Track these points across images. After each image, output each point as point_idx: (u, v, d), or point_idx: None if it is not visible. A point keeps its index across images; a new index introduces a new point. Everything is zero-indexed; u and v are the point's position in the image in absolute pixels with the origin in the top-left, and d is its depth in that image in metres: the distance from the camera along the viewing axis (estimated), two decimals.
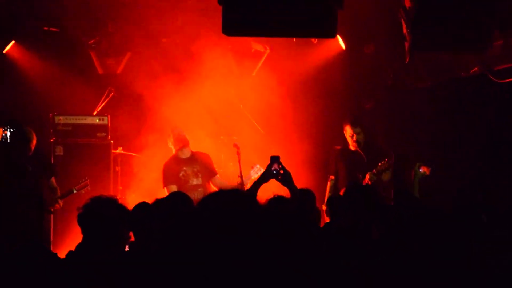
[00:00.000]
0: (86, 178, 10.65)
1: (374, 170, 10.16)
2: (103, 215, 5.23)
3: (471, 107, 11.18)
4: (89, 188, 10.59)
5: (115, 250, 5.36)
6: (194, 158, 10.47)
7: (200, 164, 10.43)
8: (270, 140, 12.14)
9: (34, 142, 10.03)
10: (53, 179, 10.36)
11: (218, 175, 10.59)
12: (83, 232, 5.27)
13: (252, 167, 10.59)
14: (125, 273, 5.03)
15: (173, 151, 10.49)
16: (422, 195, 9.37)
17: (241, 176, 10.18)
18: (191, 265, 3.21)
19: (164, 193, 9.88)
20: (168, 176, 10.26)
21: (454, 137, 11.39)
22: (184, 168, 10.30)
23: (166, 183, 10.21)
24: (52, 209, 10.09)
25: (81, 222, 5.32)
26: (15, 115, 11.66)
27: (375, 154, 10.47)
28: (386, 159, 10.16)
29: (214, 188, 10.44)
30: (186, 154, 10.47)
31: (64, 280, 4.80)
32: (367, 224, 5.41)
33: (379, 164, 10.13)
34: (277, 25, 5.88)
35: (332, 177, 10.81)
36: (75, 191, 10.31)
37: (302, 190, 6.15)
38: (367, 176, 10.14)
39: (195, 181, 10.27)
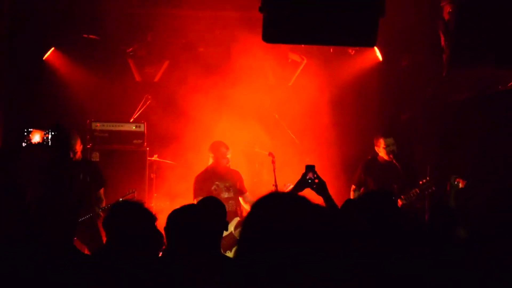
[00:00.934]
0: (133, 190, 10.68)
1: (412, 194, 10.02)
2: (125, 219, 5.19)
3: (509, 120, 11.10)
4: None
5: (141, 255, 5.35)
6: (226, 174, 10.44)
7: (232, 180, 10.41)
8: (305, 150, 12.15)
9: (78, 146, 10.17)
10: (101, 191, 10.42)
11: (247, 193, 10.58)
12: (107, 236, 5.23)
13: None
14: (154, 278, 5.05)
15: (209, 162, 10.47)
16: (458, 208, 9.31)
17: (275, 185, 10.17)
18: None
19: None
20: (199, 189, 10.19)
21: (491, 150, 11.31)
22: (217, 183, 10.27)
23: (196, 195, 10.12)
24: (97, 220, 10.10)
25: (104, 225, 5.30)
26: (53, 121, 11.81)
27: (408, 166, 10.39)
28: (428, 177, 10.06)
29: (244, 206, 10.51)
30: (221, 170, 10.43)
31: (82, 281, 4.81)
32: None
33: (421, 182, 10.02)
34: (317, 33, 5.90)
35: (354, 187, 10.77)
36: None
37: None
38: (399, 202, 10.02)
39: (226, 195, 10.22)
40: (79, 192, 10.01)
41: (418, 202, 10.34)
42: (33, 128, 7.47)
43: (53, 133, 7.14)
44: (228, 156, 10.41)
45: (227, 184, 10.32)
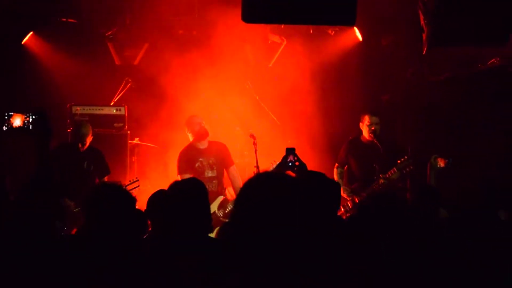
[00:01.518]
0: (137, 178, 10.64)
1: (390, 173, 10.11)
2: (103, 200, 5.14)
3: (489, 99, 11.15)
4: (139, 188, 10.60)
5: (122, 237, 5.31)
6: (210, 149, 10.34)
7: (216, 155, 10.32)
8: (286, 131, 12.16)
9: (89, 138, 10.30)
10: (105, 178, 10.49)
11: (234, 166, 10.54)
12: (86, 218, 5.16)
13: (272, 164, 10.56)
14: (138, 260, 5.03)
15: (190, 139, 10.44)
16: (439, 187, 9.36)
17: (257, 167, 10.14)
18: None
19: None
20: (184, 165, 10.15)
21: (471, 130, 11.37)
22: (200, 159, 10.21)
23: (181, 172, 10.09)
24: None
25: (83, 209, 5.24)
26: (33, 105, 11.76)
27: (390, 146, 10.44)
28: (406, 156, 10.12)
29: (228, 178, 10.46)
30: (203, 144, 10.31)
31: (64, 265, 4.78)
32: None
33: (399, 161, 10.08)
34: (296, 12, 5.88)
35: (337, 165, 10.84)
36: None
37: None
38: (380, 181, 10.09)
39: (210, 173, 10.19)
40: (82, 179, 10.08)
41: (399, 181, 10.39)
42: (13, 112, 7.43)
43: (34, 117, 7.10)
44: (204, 125, 10.34)
45: (210, 161, 10.24)
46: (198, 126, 10.28)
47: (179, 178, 9.95)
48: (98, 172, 10.44)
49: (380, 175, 10.04)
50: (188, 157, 10.22)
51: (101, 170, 10.48)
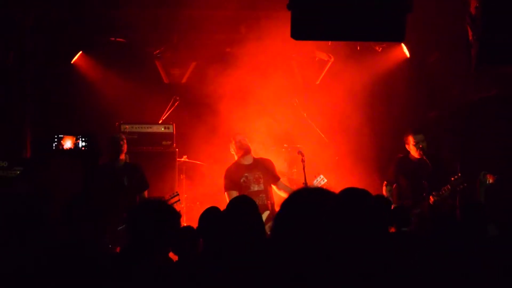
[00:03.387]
0: (177, 192, 10.57)
1: (443, 190, 10.03)
2: (148, 217, 5.14)
3: None
4: (180, 203, 10.66)
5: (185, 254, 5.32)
6: (255, 165, 10.44)
7: (262, 170, 10.39)
8: (334, 148, 12.16)
9: (125, 147, 10.22)
10: (145, 193, 10.34)
11: (281, 180, 10.57)
12: (131, 237, 5.17)
13: (315, 177, 10.59)
14: (191, 278, 5.04)
15: (235, 158, 10.52)
16: (488, 204, 9.26)
17: (305, 184, 10.17)
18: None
19: (225, 199, 9.90)
20: (229, 181, 10.26)
21: None
22: (246, 174, 10.29)
23: (227, 189, 10.22)
24: None
25: (128, 227, 5.27)
26: (82, 124, 11.92)
27: (439, 163, 10.39)
28: (459, 173, 10.04)
29: (278, 193, 10.48)
30: (248, 160, 10.44)
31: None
32: None
33: (452, 178, 10.01)
34: (345, 29, 5.89)
35: (386, 182, 10.76)
36: None
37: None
38: (431, 198, 10.02)
39: (256, 187, 10.24)
40: (121, 195, 10.05)
41: (449, 199, 10.30)
42: (63, 134, 7.57)
43: (84, 139, 7.25)
44: (246, 141, 10.47)
45: (256, 175, 10.31)
46: (241, 143, 10.39)
47: (226, 195, 10.04)
48: (137, 187, 10.23)
49: (434, 193, 9.97)
50: (234, 173, 10.32)
51: (140, 185, 10.25)
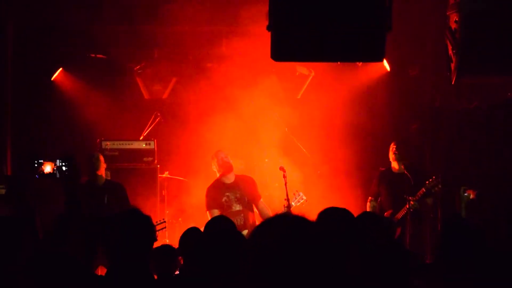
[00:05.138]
0: (164, 220, 10.75)
1: (419, 194, 10.12)
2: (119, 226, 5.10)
3: None
4: (165, 230, 10.78)
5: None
6: (237, 183, 10.41)
7: (243, 189, 10.38)
8: (315, 162, 12.18)
9: (104, 165, 10.24)
10: None
11: (261, 200, 10.56)
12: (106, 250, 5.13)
13: (294, 194, 10.56)
14: None
15: (217, 175, 10.50)
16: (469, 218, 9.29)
17: (287, 200, 10.16)
18: None
19: (207, 216, 9.88)
20: (211, 200, 10.22)
21: (501, 160, 11.29)
22: (227, 194, 10.27)
23: (209, 208, 10.17)
24: None
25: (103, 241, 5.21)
26: (63, 141, 11.88)
27: (421, 176, 10.44)
28: (433, 177, 10.14)
29: (256, 213, 10.47)
30: (230, 179, 10.40)
31: None
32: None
33: (427, 182, 10.10)
34: (325, 50, 5.91)
35: (371, 198, 10.81)
36: None
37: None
38: (411, 203, 10.08)
39: (237, 207, 10.22)
40: (103, 215, 9.97)
41: (431, 212, 10.40)
42: (43, 158, 7.59)
43: (63, 164, 7.27)
44: (228, 159, 10.45)
45: (237, 195, 10.29)
46: (223, 161, 10.38)
47: (208, 214, 10.02)
48: (119, 206, 10.09)
49: (410, 197, 10.04)
50: (215, 192, 10.30)
51: (122, 205, 10.11)
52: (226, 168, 10.36)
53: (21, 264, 4.87)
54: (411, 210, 10.05)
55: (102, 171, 10.26)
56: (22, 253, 4.98)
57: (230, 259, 5.57)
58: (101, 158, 10.28)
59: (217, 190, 10.31)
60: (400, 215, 10.22)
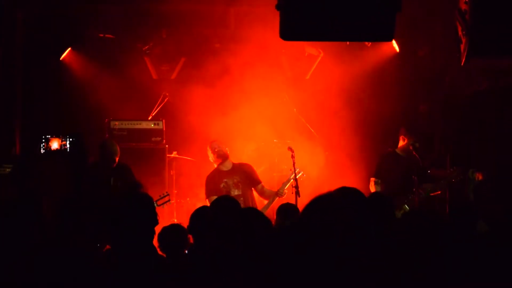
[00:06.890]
0: (167, 193, 10.77)
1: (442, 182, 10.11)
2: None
3: None
4: (171, 202, 10.81)
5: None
6: (234, 170, 10.58)
7: (241, 175, 10.53)
8: (324, 143, 12.16)
9: (118, 155, 10.20)
10: None
11: (261, 184, 10.65)
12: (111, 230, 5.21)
13: (290, 170, 10.56)
14: (180, 274, 5.05)
15: (214, 165, 10.60)
16: (477, 201, 9.29)
17: (295, 179, 10.18)
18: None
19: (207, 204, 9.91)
20: (210, 188, 10.43)
21: (510, 141, 11.27)
22: (225, 180, 10.46)
23: (208, 195, 10.37)
24: None
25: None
26: (71, 120, 11.89)
27: (428, 156, 10.42)
28: (454, 167, 10.11)
29: (259, 197, 10.60)
30: (227, 166, 10.58)
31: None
32: None
33: (448, 172, 10.08)
34: (335, 29, 5.89)
35: (373, 178, 10.72)
36: (156, 206, 10.11)
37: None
38: (421, 191, 10.06)
39: (236, 192, 10.38)
40: (109, 196, 9.99)
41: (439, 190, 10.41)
42: (50, 134, 7.57)
43: (71, 140, 7.25)
44: (223, 148, 10.55)
45: (235, 180, 10.47)
46: (218, 152, 10.50)
47: (207, 201, 10.10)
48: (125, 187, 10.19)
49: (420, 190, 10.02)
50: (214, 180, 10.49)
51: (127, 185, 10.21)
52: (222, 157, 10.52)
53: (27, 250, 4.89)
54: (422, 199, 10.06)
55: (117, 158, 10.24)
56: (28, 238, 4.99)
57: (239, 237, 5.61)
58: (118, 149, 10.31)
59: (216, 177, 10.50)
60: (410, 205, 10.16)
